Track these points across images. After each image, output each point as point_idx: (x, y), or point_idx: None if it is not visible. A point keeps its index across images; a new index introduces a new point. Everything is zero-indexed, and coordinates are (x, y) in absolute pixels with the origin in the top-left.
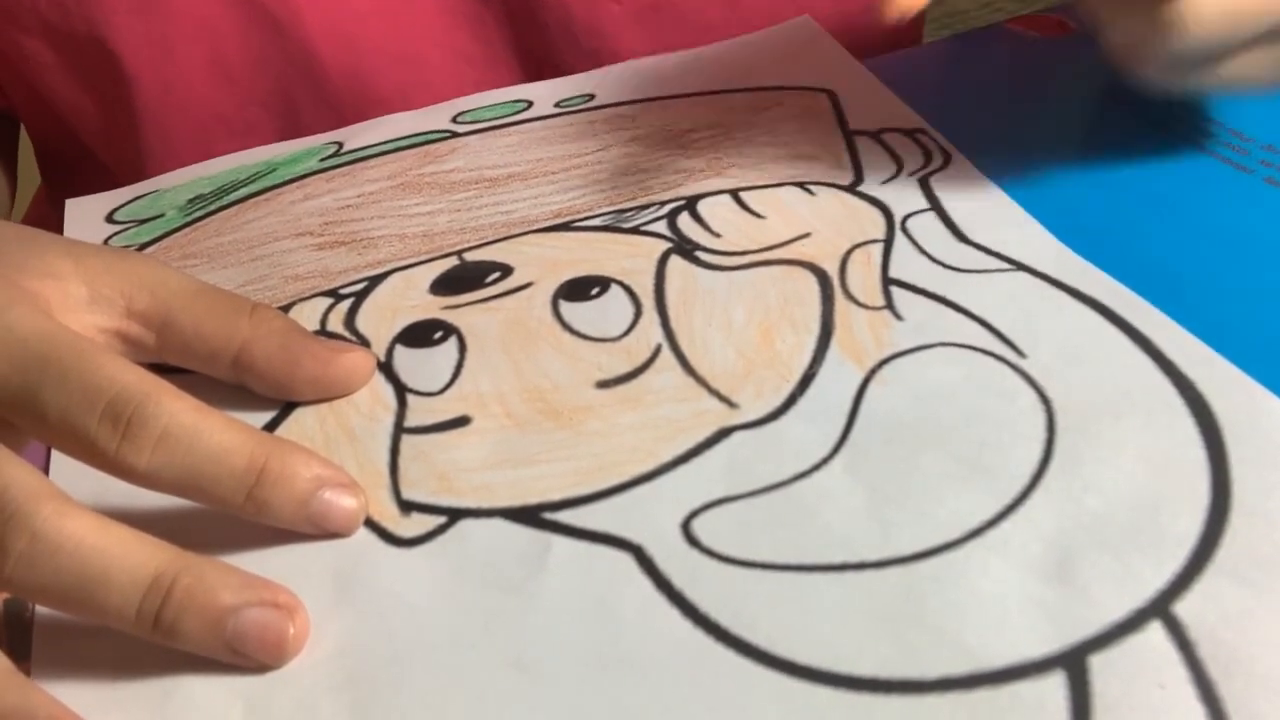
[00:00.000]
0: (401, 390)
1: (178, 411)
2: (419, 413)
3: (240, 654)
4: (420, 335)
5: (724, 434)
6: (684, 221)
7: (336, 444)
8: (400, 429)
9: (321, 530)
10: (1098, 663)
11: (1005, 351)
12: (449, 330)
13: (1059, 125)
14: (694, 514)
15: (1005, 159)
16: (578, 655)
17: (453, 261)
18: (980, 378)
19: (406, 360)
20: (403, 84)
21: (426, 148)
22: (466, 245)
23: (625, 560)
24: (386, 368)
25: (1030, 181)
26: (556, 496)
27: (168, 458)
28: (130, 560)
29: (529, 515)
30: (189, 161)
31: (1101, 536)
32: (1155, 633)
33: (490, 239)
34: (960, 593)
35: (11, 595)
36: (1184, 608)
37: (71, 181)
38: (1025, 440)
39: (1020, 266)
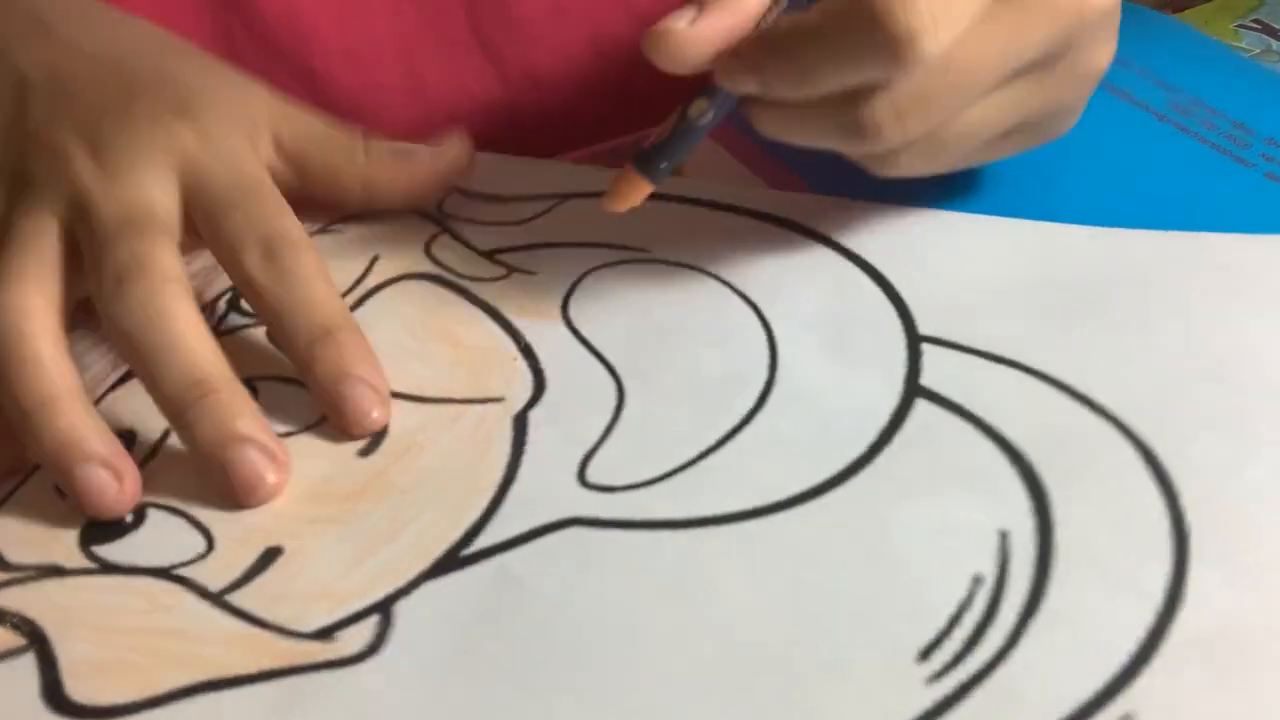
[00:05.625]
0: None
1: (308, 262)
2: (217, 572)
3: (227, 478)
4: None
5: (520, 420)
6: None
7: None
8: (211, 596)
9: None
10: None
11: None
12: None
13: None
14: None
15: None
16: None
17: None
18: None
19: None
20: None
21: None
22: None
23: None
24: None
25: (1031, 179)
26: (455, 535)
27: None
28: (198, 355)
29: (449, 562)
30: None
31: None
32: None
33: None
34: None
35: (97, 319)
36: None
37: None
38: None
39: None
